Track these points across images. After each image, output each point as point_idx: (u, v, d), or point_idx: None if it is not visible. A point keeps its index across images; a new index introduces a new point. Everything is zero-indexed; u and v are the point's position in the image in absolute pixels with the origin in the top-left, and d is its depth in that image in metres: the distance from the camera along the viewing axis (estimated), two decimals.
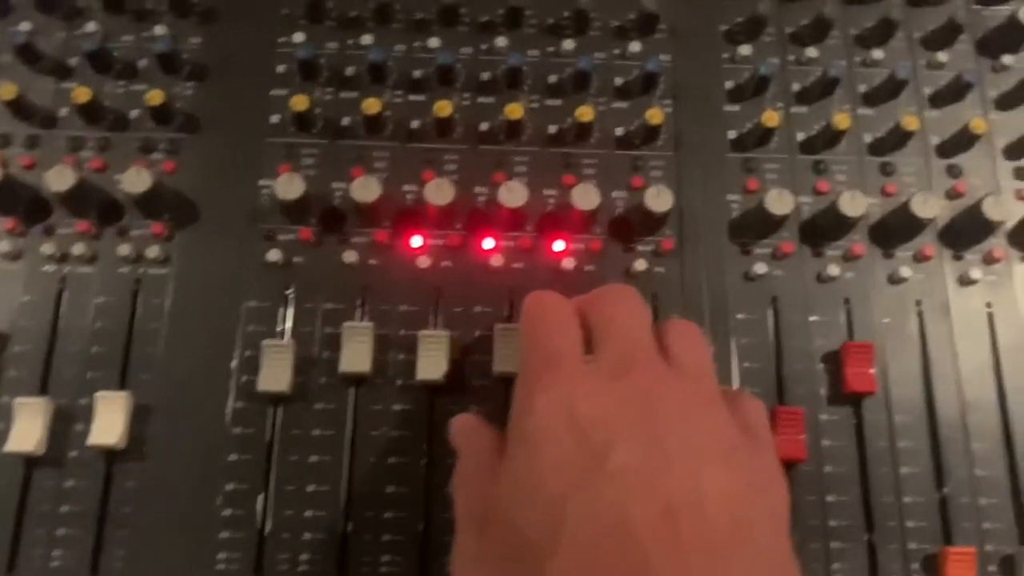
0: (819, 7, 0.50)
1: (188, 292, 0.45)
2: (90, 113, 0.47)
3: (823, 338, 0.45)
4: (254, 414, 0.43)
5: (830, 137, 0.48)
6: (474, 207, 0.47)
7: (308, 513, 0.41)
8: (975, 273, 0.46)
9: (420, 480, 0.42)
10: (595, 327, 0.36)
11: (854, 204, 0.44)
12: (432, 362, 0.43)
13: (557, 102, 0.49)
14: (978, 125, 0.47)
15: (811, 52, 0.50)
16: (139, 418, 0.42)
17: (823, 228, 0.46)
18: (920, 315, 0.46)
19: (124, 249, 0.45)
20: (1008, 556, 0.42)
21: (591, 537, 0.30)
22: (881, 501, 0.43)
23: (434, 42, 0.50)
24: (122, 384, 0.43)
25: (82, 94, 0.46)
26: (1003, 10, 0.51)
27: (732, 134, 0.49)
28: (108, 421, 0.41)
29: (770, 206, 0.44)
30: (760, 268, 0.46)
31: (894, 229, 0.46)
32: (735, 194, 0.47)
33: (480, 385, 0.43)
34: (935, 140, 0.49)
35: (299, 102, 0.46)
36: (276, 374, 0.42)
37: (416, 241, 0.46)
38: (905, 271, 0.46)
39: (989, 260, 0.46)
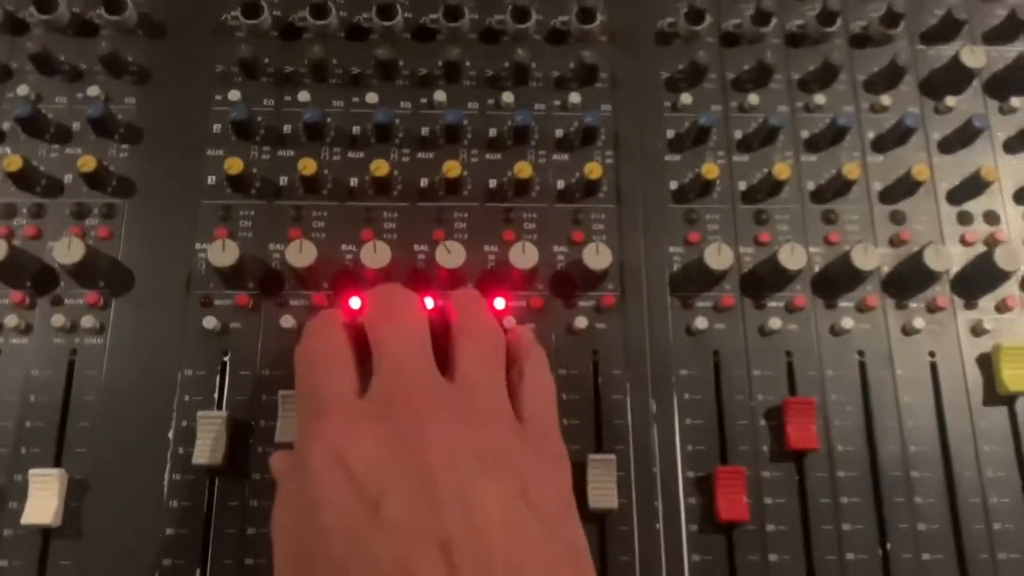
0: (760, 52, 0.49)
1: (124, 362, 0.44)
2: (22, 179, 0.46)
3: (766, 393, 0.45)
4: (191, 486, 0.42)
5: (772, 186, 0.47)
6: (413, 267, 0.46)
7: None
8: (918, 322, 0.46)
9: None
10: (372, 351, 0.37)
11: (794, 257, 0.44)
12: None
13: (497, 156, 0.49)
14: (920, 172, 0.47)
15: (753, 99, 0.50)
16: (75, 494, 0.42)
17: (764, 280, 0.46)
18: (863, 366, 0.45)
19: (59, 319, 0.44)
20: None
21: None
22: (824, 559, 0.42)
23: (372, 97, 0.49)
24: (57, 459, 0.42)
25: (13, 162, 0.45)
26: (947, 50, 0.51)
27: (674, 184, 0.48)
28: (42, 499, 0.41)
29: (709, 261, 0.44)
30: (701, 323, 0.45)
31: (836, 280, 0.46)
32: (677, 246, 0.47)
33: None
34: (878, 186, 0.49)
35: (233, 165, 0.45)
36: (211, 446, 0.42)
37: (355, 303, 0.45)
38: (847, 322, 0.45)
39: (932, 308, 0.46)
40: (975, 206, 0.49)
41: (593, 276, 0.45)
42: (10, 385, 0.43)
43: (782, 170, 0.46)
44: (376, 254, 0.44)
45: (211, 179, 0.47)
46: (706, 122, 0.47)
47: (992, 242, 0.47)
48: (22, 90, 0.48)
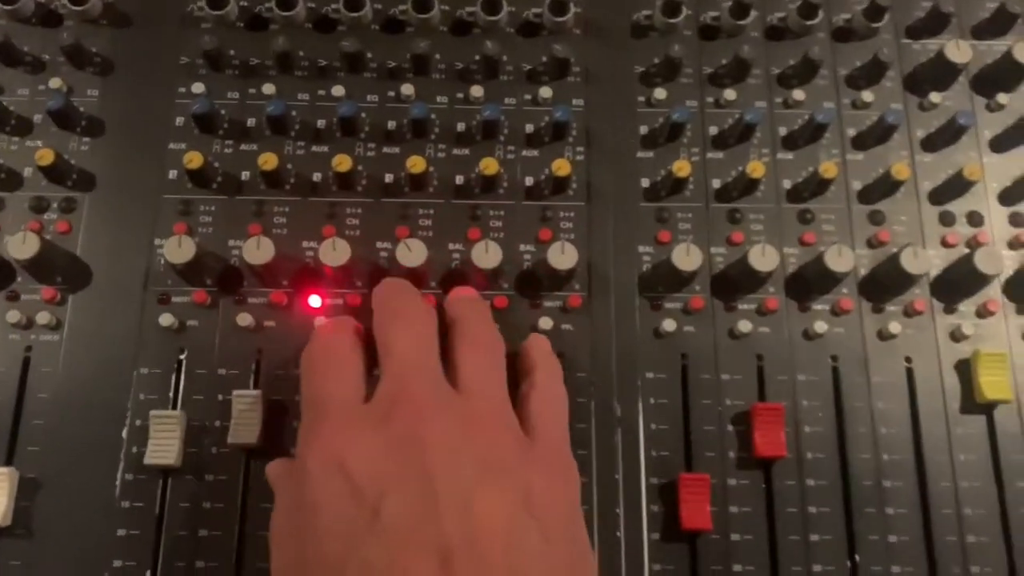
0: (738, 46, 0.48)
1: (79, 359, 0.43)
2: None
3: (734, 398, 0.43)
4: (144, 486, 0.42)
5: (746, 184, 0.46)
6: (375, 264, 0.45)
7: None
8: (895, 327, 0.44)
9: None
10: (379, 354, 0.37)
11: (764, 259, 0.43)
12: None
13: (465, 151, 0.47)
14: (899, 171, 0.45)
15: (730, 94, 0.48)
16: (26, 492, 0.41)
17: (736, 281, 0.45)
18: (836, 371, 0.44)
19: (14, 315, 0.43)
20: None
21: None
22: (790, 570, 0.41)
23: (338, 90, 0.48)
24: (9, 458, 0.42)
25: None
26: (933, 44, 0.49)
27: (645, 182, 0.47)
28: None
29: (677, 261, 0.43)
30: (670, 325, 0.44)
31: (810, 282, 0.45)
32: (647, 245, 0.46)
33: None
34: (857, 185, 0.47)
35: (193, 159, 0.45)
36: (164, 446, 0.41)
37: (315, 301, 0.45)
38: (821, 326, 0.44)
39: (910, 312, 0.45)
40: (958, 206, 0.47)
41: (559, 276, 0.44)
42: None
43: (756, 168, 0.45)
44: (335, 251, 0.43)
45: (172, 173, 0.46)
46: (679, 118, 0.46)
47: (975, 244, 0.46)
48: None
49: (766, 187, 0.47)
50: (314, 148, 0.47)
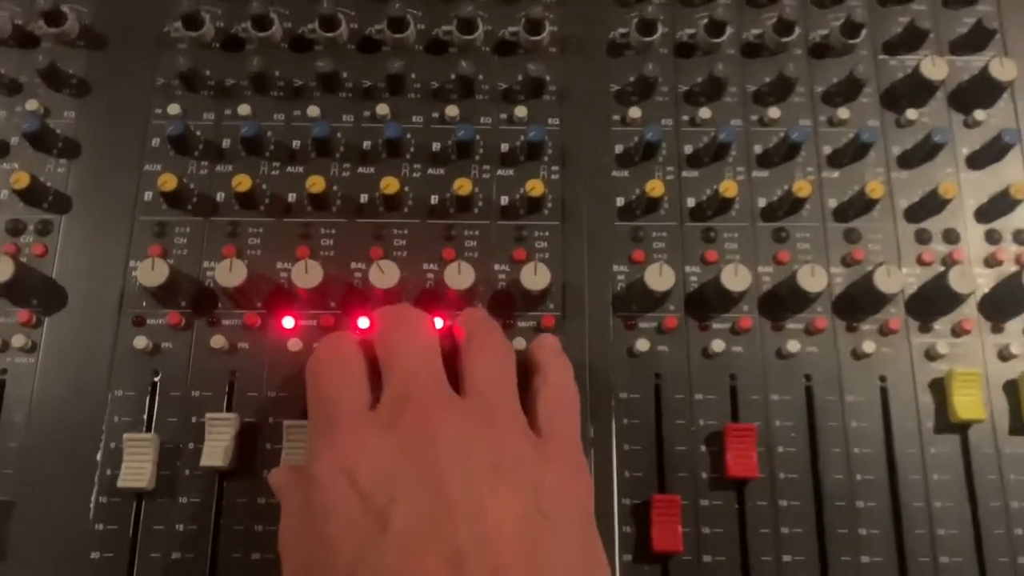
0: (713, 64, 0.48)
1: (54, 382, 0.44)
2: None
3: (707, 417, 0.43)
4: (118, 509, 0.42)
5: (721, 203, 0.46)
6: (350, 285, 0.45)
7: None
8: (869, 346, 0.44)
9: None
10: (382, 364, 0.37)
11: (737, 279, 0.43)
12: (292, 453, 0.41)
13: (440, 171, 0.47)
14: (874, 189, 0.45)
15: (705, 112, 0.48)
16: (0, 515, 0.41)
17: (709, 301, 0.45)
18: (809, 391, 0.44)
19: None
20: None
21: None
22: None
23: (313, 111, 0.48)
24: None
25: None
26: (910, 61, 0.49)
27: (620, 201, 0.47)
28: None
29: (650, 281, 0.43)
30: (643, 344, 0.44)
31: (783, 301, 0.45)
32: (621, 265, 0.46)
33: None
34: (832, 203, 0.47)
35: (167, 181, 0.45)
36: (137, 469, 0.41)
37: (288, 322, 0.45)
38: (794, 345, 0.44)
39: (885, 331, 0.45)
40: (935, 224, 0.47)
41: (532, 296, 0.44)
42: None
43: (730, 187, 0.45)
44: (308, 273, 0.43)
45: (147, 195, 0.47)
46: (652, 137, 0.46)
47: (950, 262, 0.46)
48: None
49: (741, 206, 0.47)
50: (289, 169, 0.47)
